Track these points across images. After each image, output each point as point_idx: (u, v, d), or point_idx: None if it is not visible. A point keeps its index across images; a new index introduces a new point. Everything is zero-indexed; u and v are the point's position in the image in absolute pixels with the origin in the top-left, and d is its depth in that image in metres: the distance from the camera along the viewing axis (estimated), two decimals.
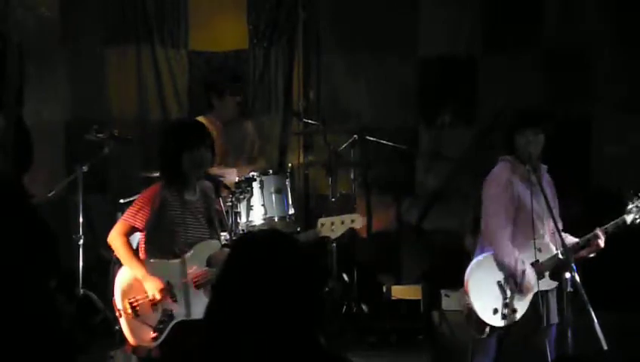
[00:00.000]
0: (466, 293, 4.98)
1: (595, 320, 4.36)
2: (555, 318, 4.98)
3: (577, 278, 4.52)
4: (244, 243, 2.58)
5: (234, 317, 2.42)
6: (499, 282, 4.93)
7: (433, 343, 6.40)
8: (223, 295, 2.47)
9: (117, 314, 4.90)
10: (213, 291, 2.57)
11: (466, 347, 5.16)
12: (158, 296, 4.80)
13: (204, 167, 4.98)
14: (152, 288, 4.80)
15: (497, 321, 4.91)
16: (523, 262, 4.88)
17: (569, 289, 4.54)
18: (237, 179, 6.47)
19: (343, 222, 5.16)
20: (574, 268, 4.56)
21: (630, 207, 4.97)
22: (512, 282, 4.90)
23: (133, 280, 4.86)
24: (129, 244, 4.91)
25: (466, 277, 4.98)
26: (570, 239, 5.00)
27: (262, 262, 2.44)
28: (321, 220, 5.22)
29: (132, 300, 4.85)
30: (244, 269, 2.45)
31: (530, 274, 4.88)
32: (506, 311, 4.89)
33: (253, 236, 2.73)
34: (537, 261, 4.89)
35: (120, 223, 4.93)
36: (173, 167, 4.90)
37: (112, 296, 4.94)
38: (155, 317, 4.81)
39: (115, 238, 4.91)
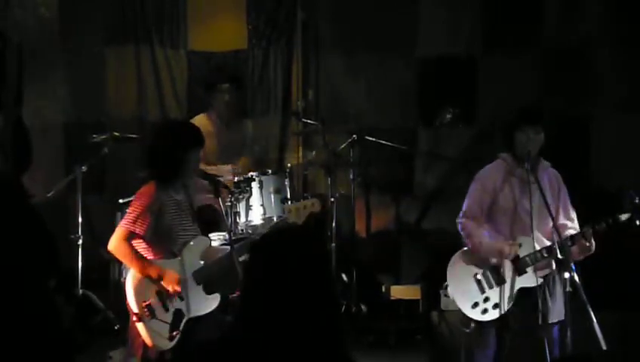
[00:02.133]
0: (448, 287, 5.10)
1: (594, 320, 4.34)
2: (556, 317, 4.94)
3: (576, 278, 4.51)
4: (259, 246, 2.58)
5: (260, 319, 2.43)
6: (476, 276, 5.00)
7: (432, 343, 6.38)
8: (249, 299, 2.48)
9: (134, 318, 4.80)
10: (241, 296, 2.57)
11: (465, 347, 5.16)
12: (178, 288, 4.78)
13: (198, 167, 5.03)
14: (171, 282, 4.78)
15: (477, 315, 4.96)
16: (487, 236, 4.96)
17: (568, 288, 4.54)
18: (235, 179, 6.48)
19: (305, 207, 5.18)
20: (573, 267, 4.56)
21: (628, 206, 4.94)
22: (490, 275, 4.96)
23: (143, 283, 4.81)
24: (133, 248, 4.83)
25: (447, 272, 5.07)
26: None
27: (279, 262, 2.47)
28: (286, 207, 5.25)
29: (146, 303, 4.81)
30: (264, 271, 2.47)
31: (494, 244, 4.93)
32: (486, 305, 4.93)
33: (267, 237, 2.74)
34: (517, 256, 4.92)
35: (119, 230, 4.85)
36: (172, 166, 4.88)
37: (125, 300, 4.87)
38: (169, 317, 4.80)
39: (118, 246, 4.82)
